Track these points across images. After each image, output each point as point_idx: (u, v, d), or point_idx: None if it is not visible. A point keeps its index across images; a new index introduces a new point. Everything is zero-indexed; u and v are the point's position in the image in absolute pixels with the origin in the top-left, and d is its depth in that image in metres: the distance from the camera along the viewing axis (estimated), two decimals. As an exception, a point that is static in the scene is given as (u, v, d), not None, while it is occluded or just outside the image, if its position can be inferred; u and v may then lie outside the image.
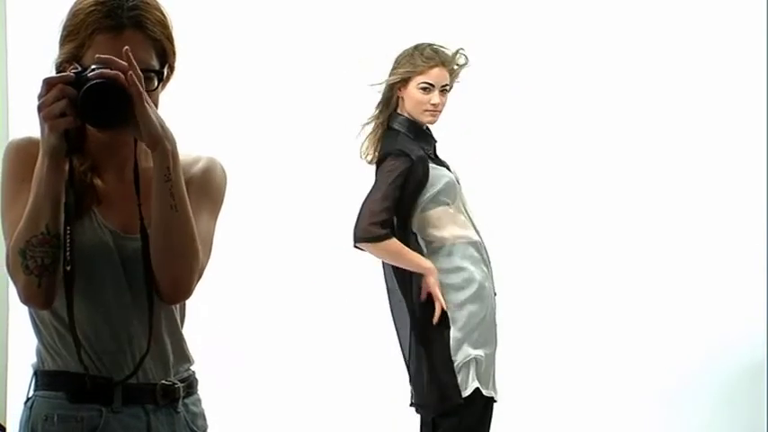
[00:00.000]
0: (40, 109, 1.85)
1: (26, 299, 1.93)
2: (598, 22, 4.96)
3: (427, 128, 3.86)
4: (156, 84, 1.98)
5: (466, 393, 3.66)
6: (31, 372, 2.07)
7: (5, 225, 1.97)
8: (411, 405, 3.80)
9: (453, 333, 3.68)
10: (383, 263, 3.83)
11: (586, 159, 4.97)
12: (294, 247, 4.99)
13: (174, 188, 1.91)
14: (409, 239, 3.74)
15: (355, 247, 3.74)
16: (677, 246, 4.91)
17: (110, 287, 1.98)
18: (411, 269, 3.72)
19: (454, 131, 4.09)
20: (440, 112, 3.82)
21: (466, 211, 3.82)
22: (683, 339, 4.88)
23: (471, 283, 3.72)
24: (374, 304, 4.07)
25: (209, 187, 2.08)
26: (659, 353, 4.88)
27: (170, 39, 2.01)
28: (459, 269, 3.73)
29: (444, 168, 3.81)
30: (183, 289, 1.97)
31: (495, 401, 3.76)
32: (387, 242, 3.67)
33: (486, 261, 3.79)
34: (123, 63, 1.84)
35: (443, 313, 3.68)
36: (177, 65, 2.04)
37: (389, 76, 3.83)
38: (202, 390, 2.14)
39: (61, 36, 1.99)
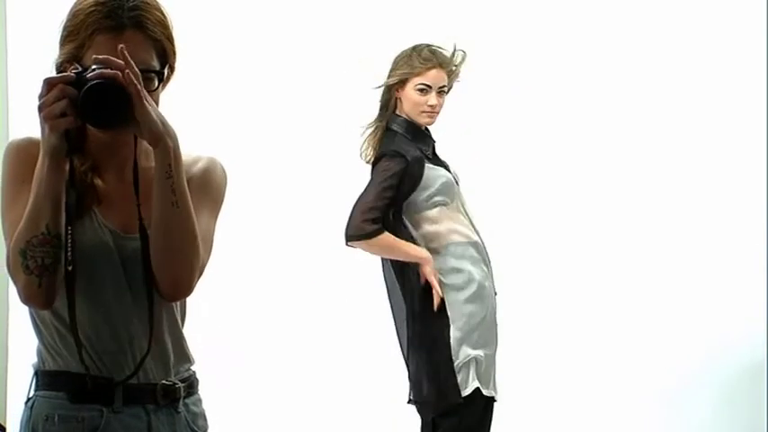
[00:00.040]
0: (40, 109, 1.85)
1: (26, 299, 1.93)
2: (598, 22, 4.96)
3: (426, 128, 3.86)
4: (156, 84, 1.98)
5: (465, 393, 3.66)
6: (31, 372, 2.07)
7: (6, 225, 1.97)
8: (409, 402, 3.80)
9: (453, 333, 3.68)
10: (382, 261, 3.83)
11: (586, 159, 4.97)
12: (294, 246, 4.99)
13: (176, 185, 1.91)
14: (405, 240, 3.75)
15: (347, 245, 3.75)
16: (677, 246, 4.91)
17: (110, 287, 1.98)
18: (407, 260, 3.73)
19: (454, 131, 4.09)
20: (437, 113, 3.82)
21: (465, 211, 3.82)
22: (683, 339, 4.88)
23: (471, 282, 3.72)
24: (374, 303, 4.08)
25: (209, 186, 2.08)
26: (659, 353, 4.88)
27: (170, 39, 2.01)
28: (459, 269, 3.73)
29: (442, 168, 3.81)
30: (184, 286, 1.97)
31: (496, 401, 3.76)
32: (379, 237, 3.69)
33: (485, 261, 3.79)
34: (120, 62, 1.84)
35: (444, 313, 3.68)
36: (177, 65, 2.04)
37: (387, 77, 3.83)
38: (203, 390, 2.14)
39: (61, 36, 1.99)
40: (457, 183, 3.85)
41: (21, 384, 2.12)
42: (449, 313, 3.69)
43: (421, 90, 3.79)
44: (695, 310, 4.88)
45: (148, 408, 2.03)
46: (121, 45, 1.86)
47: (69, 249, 1.89)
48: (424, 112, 3.80)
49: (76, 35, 1.96)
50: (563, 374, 4.88)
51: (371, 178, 3.76)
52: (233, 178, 2.14)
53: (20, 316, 2.47)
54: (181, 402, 2.06)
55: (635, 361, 4.88)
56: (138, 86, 1.85)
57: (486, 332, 3.74)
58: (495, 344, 3.77)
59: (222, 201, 2.12)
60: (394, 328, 3.83)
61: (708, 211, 4.91)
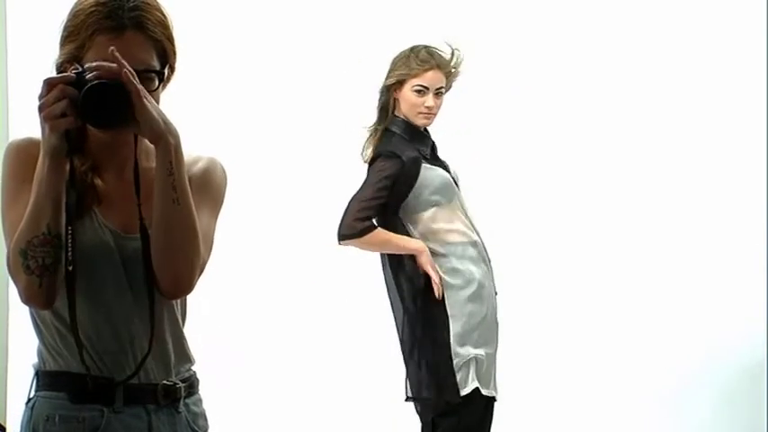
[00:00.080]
0: (40, 109, 1.85)
1: (27, 299, 1.93)
2: (598, 22, 4.96)
3: (425, 129, 3.86)
4: (156, 84, 1.98)
5: (464, 392, 3.66)
6: (31, 372, 2.07)
7: (6, 225, 1.97)
8: (407, 399, 3.80)
9: (453, 332, 3.68)
10: (381, 259, 3.84)
11: (586, 159, 4.97)
12: (294, 246, 4.99)
13: (177, 182, 1.91)
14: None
15: (340, 244, 3.76)
16: (677, 246, 4.91)
17: (110, 287, 1.98)
18: (402, 253, 3.74)
19: (454, 131, 4.09)
20: (434, 114, 3.83)
21: (464, 211, 3.82)
22: (683, 339, 4.88)
23: (471, 282, 3.72)
24: (374, 303, 4.08)
25: (209, 186, 2.08)
26: (659, 353, 4.88)
27: (171, 39, 2.01)
28: (459, 269, 3.73)
29: (440, 168, 3.81)
30: (185, 284, 1.97)
31: (496, 401, 3.76)
32: (371, 234, 3.71)
33: (485, 260, 3.79)
34: (113, 65, 1.84)
35: (444, 312, 3.69)
36: (178, 65, 2.04)
37: (385, 78, 3.84)
38: (203, 390, 2.14)
39: (62, 36, 1.99)
40: (456, 183, 3.85)
41: (21, 385, 2.12)
42: (449, 312, 3.69)
43: (418, 91, 3.80)
44: (695, 310, 4.88)
45: (149, 408, 2.02)
46: (112, 47, 1.87)
47: (69, 249, 1.89)
48: (420, 113, 3.81)
49: (77, 35, 1.96)
50: (563, 374, 4.88)
51: (366, 178, 3.78)
52: (233, 178, 2.14)
53: (20, 316, 2.47)
54: (181, 402, 2.06)
55: (635, 361, 4.88)
56: (137, 85, 1.85)
57: (486, 332, 3.74)
58: (495, 343, 3.77)
59: (222, 200, 2.12)
60: (395, 326, 3.83)
61: (708, 211, 4.91)
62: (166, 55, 2.00)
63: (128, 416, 2.00)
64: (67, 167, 1.89)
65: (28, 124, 2.00)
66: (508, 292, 3.92)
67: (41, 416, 2.00)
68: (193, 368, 2.12)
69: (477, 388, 3.67)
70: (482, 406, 3.71)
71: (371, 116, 3.88)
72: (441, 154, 3.91)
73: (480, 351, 3.70)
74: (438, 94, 3.82)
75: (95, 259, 1.97)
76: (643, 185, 4.93)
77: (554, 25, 4.98)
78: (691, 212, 4.92)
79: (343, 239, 3.74)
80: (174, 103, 2.05)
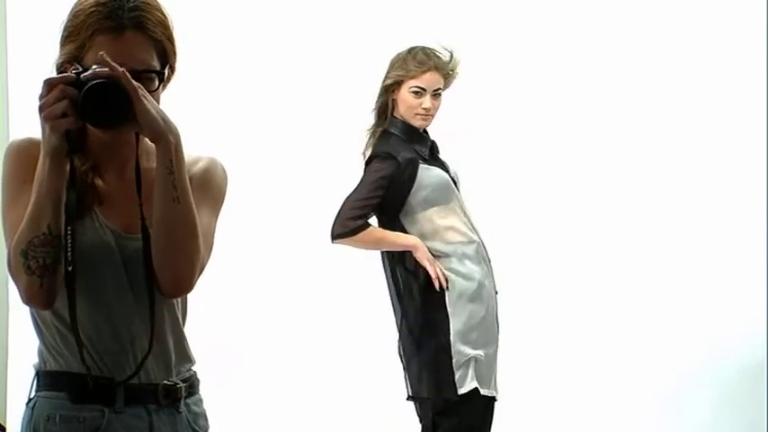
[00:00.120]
0: (41, 109, 1.85)
1: (28, 299, 1.93)
2: (598, 22, 4.96)
3: (424, 129, 3.86)
4: (157, 84, 1.98)
5: (462, 391, 3.66)
6: (31, 372, 2.07)
7: (7, 226, 1.97)
8: (408, 398, 3.80)
9: (453, 331, 3.68)
10: (382, 259, 3.84)
11: (586, 159, 4.97)
12: (294, 246, 4.99)
13: (177, 181, 1.91)
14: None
15: (333, 242, 3.76)
16: (677, 246, 4.91)
17: (111, 287, 1.98)
18: (398, 250, 3.75)
19: (454, 131, 4.09)
20: (432, 116, 3.83)
21: (464, 211, 3.82)
22: (683, 339, 4.89)
23: (471, 281, 3.73)
24: (374, 303, 4.08)
25: (209, 186, 2.08)
26: (659, 353, 4.89)
27: (171, 39, 2.01)
28: (458, 269, 3.73)
29: (437, 168, 3.81)
30: (185, 283, 1.97)
31: (497, 401, 3.76)
32: (364, 232, 3.72)
33: (485, 260, 3.80)
34: (106, 69, 1.84)
35: (444, 312, 3.69)
36: (178, 65, 2.04)
37: (383, 79, 3.84)
38: (203, 390, 2.14)
39: (62, 37, 1.99)
40: (456, 183, 3.85)
41: (21, 385, 2.12)
42: (449, 311, 3.69)
43: (415, 93, 3.80)
44: (695, 310, 4.88)
45: (150, 408, 2.02)
46: (101, 52, 1.87)
47: (69, 250, 1.89)
48: (418, 114, 3.81)
49: (77, 36, 1.96)
50: (563, 374, 4.88)
51: (362, 178, 3.78)
52: (233, 178, 2.15)
53: (20, 316, 2.47)
54: (182, 402, 2.06)
55: (635, 361, 4.89)
56: (134, 85, 1.85)
57: (485, 331, 3.74)
58: (495, 343, 3.77)
59: (223, 200, 2.12)
60: (395, 326, 3.83)
61: (708, 211, 4.91)
62: (167, 55, 2.00)
63: (128, 416, 2.00)
64: (68, 168, 1.89)
65: (28, 124, 2.00)
66: (508, 292, 3.92)
67: (42, 416, 2.00)
68: (194, 368, 2.12)
69: (476, 388, 3.67)
70: (482, 406, 3.71)
71: (371, 117, 3.88)
72: (441, 154, 3.91)
73: (480, 351, 3.70)
74: (436, 95, 3.82)
75: (96, 259, 1.97)
76: (643, 186, 4.94)
77: (554, 25, 4.98)
78: (691, 212, 4.92)
79: (335, 238, 3.76)
80: (174, 103, 2.05)
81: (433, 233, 3.75)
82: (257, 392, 4.96)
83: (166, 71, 2.00)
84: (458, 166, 3.92)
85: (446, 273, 3.71)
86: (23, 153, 1.98)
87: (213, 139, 3.11)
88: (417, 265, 3.71)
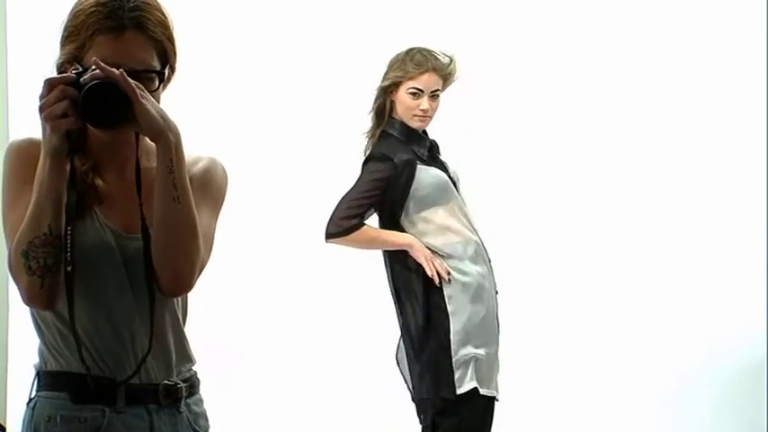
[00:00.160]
0: (41, 109, 1.85)
1: (29, 299, 1.93)
2: (598, 22, 4.96)
3: (423, 130, 3.86)
4: (157, 84, 1.98)
5: (461, 390, 3.65)
6: (31, 372, 2.07)
7: (7, 226, 1.97)
8: (412, 399, 3.81)
9: (453, 330, 3.68)
10: (384, 259, 3.84)
11: (586, 159, 4.97)
12: (294, 246, 4.98)
13: (177, 180, 1.92)
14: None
15: (327, 242, 3.77)
16: (677, 246, 4.91)
17: (111, 287, 1.98)
18: (392, 249, 3.76)
19: (454, 131, 4.09)
20: (430, 117, 3.83)
21: (464, 211, 3.82)
22: (683, 339, 4.89)
23: (471, 282, 3.72)
24: (375, 303, 4.08)
25: (209, 186, 2.08)
26: (659, 353, 4.89)
27: (171, 39, 2.01)
28: (458, 269, 3.73)
29: (435, 168, 3.81)
30: (185, 282, 1.97)
31: (498, 401, 3.76)
32: (358, 231, 3.72)
33: (485, 260, 3.80)
34: (99, 73, 1.84)
35: (444, 312, 3.69)
36: (178, 65, 2.04)
37: (381, 80, 3.84)
38: (203, 390, 2.14)
39: (62, 37, 1.99)
40: (456, 183, 3.85)
41: (21, 384, 2.12)
42: (449, 310, 3.69)
43: (413, 94, 3.80)
44: (695, 310, 4.88)
45: (150, 408, 2.02)
46: (95, 58, 1.87)
47: (68, 250, 1.89)
48: (416, 115, 3.81)
49: (77, 36, 1.96)
50: (563, 374, 4.88)
51: (358, 178, 3.79)
52: (233, 178, 2.15)
53: (20, 316, 2.47)
54: (183, 402, 2.07)
55: (635, 361, 4.89)
56: (133, 85, 1.85)
57: (486, 331, 3.74)
58: (496, 343, 3.77)
59: (223, 200, 2.12)
60: (395, 326, 3.83)
61: (708, 211, 4.91)
62: (167, 55, 2.00)
63: (129, 416, 2.00)
64: (68, 168, 1.89)
65: (28, 124, 2.00)
66: (508, 292, 3.92)
67: (43, 416, 2.00)
68: (194, 368, 2.12)
69: (476, 388, 3.67)
70: (482, 406, 3.71)
71: (368, 119, 3.88)
72: (441, 154, 3.91)
73: (480, 351, 3.70)
74: (434, 96, 3.82)
75: (96, 259, 1.97)
76: (643, 186, 4.94)
77: (554, 25, 4.98)
78: (691, 213, 4.92)
79: (329, 238, 3.77)
80: (174, 103, 2.05)
81: (432, 233, 3.75)
82: (257, 392, 4.96)
83: (166, 71, 2.00)
84: (458, 166, 3.92)
85: (446, 266, 3.71)
86: (24, 153, 1.98)
87: (213, 139, 3.11)
88: (418, 264, 3.71)
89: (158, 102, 1.96)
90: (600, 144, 4.96)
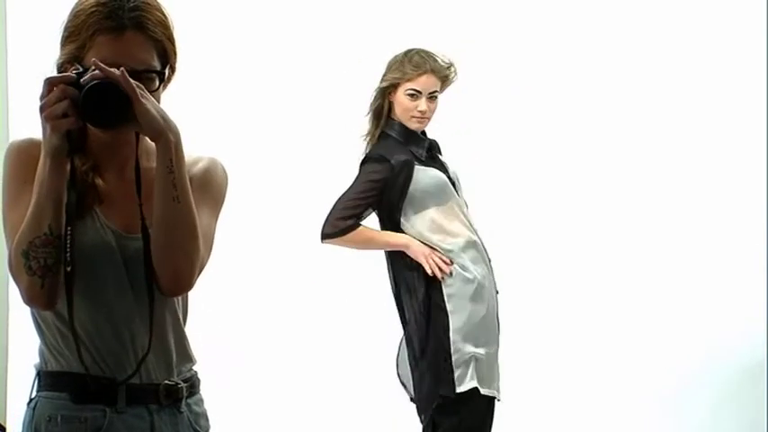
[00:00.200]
0: (42, 109, 1.86)
1: (29, 299, 1.93)
2: (598, 22, 4.96)
3: (423, 130, 3.87)
4: (157, 84, 1.98)
5: (460, 389, 3.65)
6: (31, 372, 2.07)
7: (8, 226, 1.97)
8: (411, 400, 3.81)
9: (453, 330, 3.68)
10: (386, 259, 3.84)
11: (586, 159, 4.97)
12: (294, 246, 4.98)
13: (177, 180, 1.92)
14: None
15: (323, 242, 3.77)
16: (677, 246, 4.91)
17: (112, 287, 1.98)
18: (389, 249, 3.76)
19: (454, 131, 4.09)
20: (428, 118, 3.83)
21: (463, 211, 3.82)
22: (683, 339, 4.89)
23: (471, 281, 3.73)
24: (375, 303, 4.08)
25: (209, 186, 2.08)
26: (659, 353, 4.89)
27: (171, 39, 2.01)
28: (458, 269, 3.73)
29: (433, 169, 3.81)
30: (184, 281, 1.97)
31: (498, 401, 3.76)
32: (354, 232, 3.72)
33: (485, 260, 3.80)
34: (99, 74, 1.84)
35: (444, 311, 3.69)
36: (178, 65, 2.04)
37: (380, 81, 3.84)
38: (204, 389, 2.14)
39: (62, 37, 1.99)
40: (456, 183, 3.85)
41: (21, 385, 2.12)
42: (449, 309, 3.70)
43: (411, 95, 3.80)
44: (695, 310, 4.88)
45: (151, 408, 2.03)
46: (94, 59, 1.87)
47: (68, 250, 1.89)
48: (414, 117, 3.81)
49: (77, 36, 1.96)
50: (563, 374, 4.88)
51: (355, 179, 3.79)
52: (233, 178, 2.15)
53: (20, 316, 2.47)
54: (183, 402, 2.07)
55: (635, 361, 4.89)
56: (133, 85, 1.85)
57: (486, 331, 3.74)
58: (496, 343, 3.77)
59: (223, 200, 2.12)
60: (394, 326, 3.83)
61: (708, 211, 4.91)
62: (167, 55, 2.00)
63: (130, 416, 2.00)
64: (68, 168, 1.89)
65: (28, 124, 2.00)
66: (508, 292, 3.92)
67: (43, 416, 2.00)
68: (194, 368, 2.12)
69: (476, 388, 3.67)
70: (483, 406, 3.71)
71: (365, 121, 3.88)
72: (442, 154, 3.91)
73: (480, 350, 3.70)
74: (432, 98, 3.82)
75: (96, 259, 1.97)
76: (643, 186, 4.94)
77: (554, 25, 4.98)
78: (691, 213, 4.92)
79: (325, 238, 3.77)
80: (174, 103, 2.05)
81: (431, 233, 3.75)
82: (257, 392, 4.96)
83: (167, 71, 2.00)
84: (458, 166, 3.92)
85: (445, 258, 3.71)
86: (24, 153, 1.98)
87: (213, 139, 3.11)
88: (418, 263, 3.72)
89: (158, 102, 1.96)
90: (600, 144, 4.96)
